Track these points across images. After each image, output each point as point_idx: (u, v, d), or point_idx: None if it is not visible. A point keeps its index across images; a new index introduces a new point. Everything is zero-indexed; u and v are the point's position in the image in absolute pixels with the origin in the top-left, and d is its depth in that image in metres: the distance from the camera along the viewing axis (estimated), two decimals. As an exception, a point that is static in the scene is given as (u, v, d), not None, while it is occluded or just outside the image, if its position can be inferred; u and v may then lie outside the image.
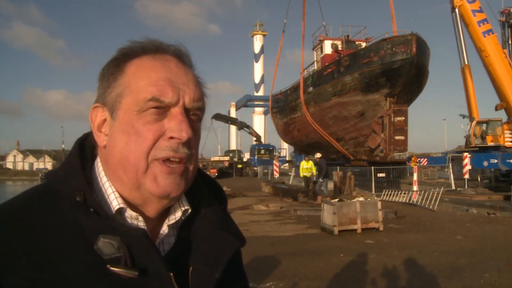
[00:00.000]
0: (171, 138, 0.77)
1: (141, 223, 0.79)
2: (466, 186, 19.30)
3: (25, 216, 0.73)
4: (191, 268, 0.81)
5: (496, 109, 23.43)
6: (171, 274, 0.76)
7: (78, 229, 0.73)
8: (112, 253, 0.72)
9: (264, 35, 73.64)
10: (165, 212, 0.84)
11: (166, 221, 0.84)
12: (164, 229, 0.84)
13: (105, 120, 0.81)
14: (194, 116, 0.82)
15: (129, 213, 0.78)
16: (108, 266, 0.71)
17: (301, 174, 18.61)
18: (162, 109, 0.77)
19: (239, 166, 42.78)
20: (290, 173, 30.09)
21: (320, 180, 17.01)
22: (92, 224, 0.73)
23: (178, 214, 0.84)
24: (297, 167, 33.46)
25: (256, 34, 73.50)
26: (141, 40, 0.83)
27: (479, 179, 21.62)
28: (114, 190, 0.79)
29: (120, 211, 0.78)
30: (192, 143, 0.80)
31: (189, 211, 0.86)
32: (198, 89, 0.83)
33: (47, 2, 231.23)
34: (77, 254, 0.71)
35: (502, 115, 23.64)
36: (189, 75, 0.82)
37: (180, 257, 0.82)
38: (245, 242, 0.92)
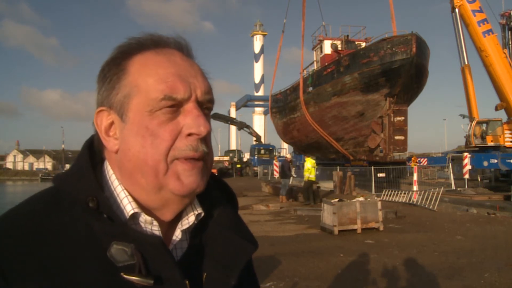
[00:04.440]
0: (189, 135, 0.74)
1: (155, 228, 0.76)
2: (466, 186, 19.30)
3: (35, 222, 0.71)
4: (205, 274, 0.79)
5: (496, 109, 23.45)
6: (186, 281, 0.74)
7: (91, 235, 0.71)
8: (126, 260, 0.69)
9: (264, 35, 73.65)
10: (177, 217, 0.81)
11: (179, 225, 0.81)
12: (177, 234, 0.80)
13: (112, 123, 0.77)
14: (206, 110, 0.79)
15: (144, 218, 0.75)
16: (122, 274, 0.69)
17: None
18: (175, 107, 0.74)
19: (238, 166, 42.79)
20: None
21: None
22: (105, 231, 0.71)
23: (191, 219, 0.81)
24: (298, 167, 33.51)
25: (256, 34, 73.47)
26: (138, 36, 0.79)
27: (479, 179, 21.63)
28: (127, 194, 0.76)
29: (134, 216, 0.75)
30: (208, 138, 0.77)
31: (202, 214, 0.82)
32: (206, 81, 0.80)
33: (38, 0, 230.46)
34: (90, 261, 0.69)
35: (502, 115, 23.70)
36: (195, 67, 0.79)
37: (193, 263, 0.80)
38: (258, 246, 0.89)
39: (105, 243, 0.70)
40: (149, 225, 0.76)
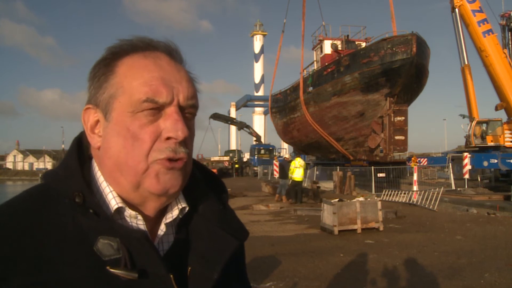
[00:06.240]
0: (168, 138, 0.76)
1: (140, 222, 0.78)
2: (466, 186, 19.31)
3: (24, 217, 0.73)
4: (189, 268, 0.80)
5: (496, 109, 23.46)
6: (171, 275, 0.75)
7: (78, 230, 0.72)
8: (112, 254, 0.71)
9: (264, 35, 73.65)
10: (163, 211, 0.83)
11: (164, 219, 0.83)
12: (162, 228, 0.83)
13: (98, 121, 0.80)
14: (188, 114, 0.81)
15: (128, 212, 0.78)
16: (107, 267, 0.71)
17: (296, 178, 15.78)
18: (156, 110, 0.76)
19: (236, 166, 42.87)
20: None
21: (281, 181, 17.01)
22: (91, 225, 0.73)
23: (175, 213, 0.83)
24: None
25: (256, 34, 73.47)
26: (130, 38, 0.81)
27: (479, 179, 21.66)
28: (111, 189, 0.78)
29: (119, 210, 0.77)
30: (188, 142, 0.80)
31: (187, 209, 0.84)
32: (192, 86, 0.82)
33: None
34: (77, 256, 0.71)
35: (502, 115, 23.72)
36: (181, 72, 0.81)
37: (179, 256, 0.82)
38: (247, 236, 0.91)
39: (91, 238, 0.72)
40: (134, 219, 0.78)
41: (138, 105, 0.75)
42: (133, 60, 0.79)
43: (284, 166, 17.03)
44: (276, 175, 29.15)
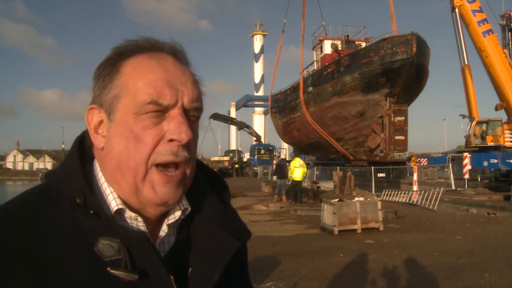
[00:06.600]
0: (171, 140, 0.75)
1: (140, 224, 0.78)
2: (466, 186, 19.32)
3: (24, 217, 0.72)
4: (190, 269, 0.80)
5: (496, 109, 23.48)
6: (172, 277, 0.75)
7: (78, 231, 0.72)
8: (112, 255, 0.71)
9: (264, 35, 73.65)
10: (165, 212, 0.83)
11: (166, 220, 0.82)
12: (164, 229, 0.82)
13: (101, 121, 0.79)
14: (193, 117, 0.80)
15: (128, 214, 0.77)
16: (108, 268, 0.71)
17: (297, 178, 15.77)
18: (160, 112, 0.76)
19: (236, 166, 42.95)
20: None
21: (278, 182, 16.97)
22: (92, 226, 0.72)
23: (177, 214, 0.83)
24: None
25: (256, 34, 73.47)
26: (135, 39, 0.81)
27: (479, 179, 21.67)
28: (112, 190, 0.78)
29: (120, 211, 0.77)
30: (191, 145, 0.79)
31: (189, 209, 0.84)
32: (196, 89, 0.81)
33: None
34: (78, 256, 0.70)
35: (502, 115, 23.73)
36: (186, 74, 0.80)
37: (179, 257, 0.81)
38: (249, 236, 0.90)
39: (92, 238, 0.71)
40: (134, 220, 0.78)
41: (142, 107, 0.75)
42: (138, 61, 0.78)
43: (283, 166, 17.02)
44: (276, 175, 29.16)
